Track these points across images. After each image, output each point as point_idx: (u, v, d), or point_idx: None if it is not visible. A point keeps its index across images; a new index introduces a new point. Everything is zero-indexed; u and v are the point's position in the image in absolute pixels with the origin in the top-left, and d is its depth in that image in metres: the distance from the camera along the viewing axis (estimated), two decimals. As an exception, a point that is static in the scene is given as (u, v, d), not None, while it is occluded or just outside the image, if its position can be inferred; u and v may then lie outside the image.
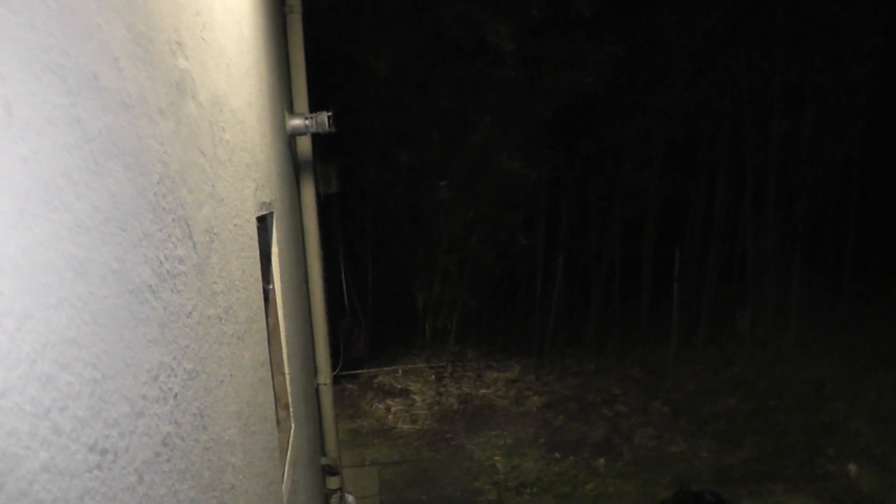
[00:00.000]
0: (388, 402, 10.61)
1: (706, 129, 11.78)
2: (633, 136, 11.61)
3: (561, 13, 10.09)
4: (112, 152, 1.12)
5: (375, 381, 11.45)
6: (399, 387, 11.14)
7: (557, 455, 8.53)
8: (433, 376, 11.44)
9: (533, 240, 12.04)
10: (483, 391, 10.89)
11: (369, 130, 10.51)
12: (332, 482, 6.14)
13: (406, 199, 11.46)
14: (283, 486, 3.22)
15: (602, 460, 8.30)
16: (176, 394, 1.38)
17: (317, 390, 6.00)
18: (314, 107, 5.77)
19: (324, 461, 6.05)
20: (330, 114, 5.33)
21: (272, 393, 2.96)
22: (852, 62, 10.82)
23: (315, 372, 5.98)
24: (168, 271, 1.37)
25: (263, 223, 3.50)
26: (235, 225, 2.28)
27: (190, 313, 1.53)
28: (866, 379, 9.89)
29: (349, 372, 11.51)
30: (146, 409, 1.20)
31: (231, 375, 1.99)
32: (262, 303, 2.85)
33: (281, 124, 4.82)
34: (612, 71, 10.36)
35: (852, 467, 7.67)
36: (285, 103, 5.23)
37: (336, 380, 10.85)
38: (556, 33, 10.25)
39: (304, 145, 5.67)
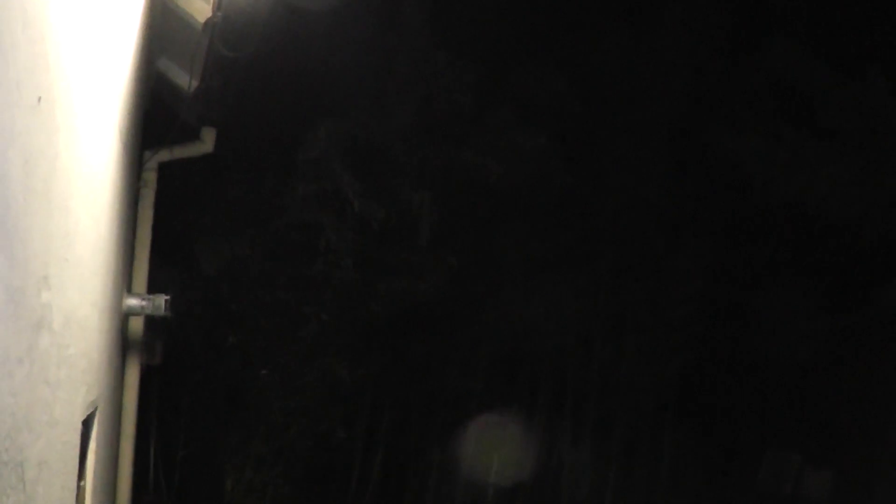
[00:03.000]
0: None
1: (531, 345, 12.30)
2: (461, 345, 11.98)
3: (404, 224, 10.59)
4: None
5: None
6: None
7: None
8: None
9: (353, 435, 11.94)
10: None
11: (201, 310, 10.36)
12: None
13: (229, 381, 11.22)
14: None
15: None
16: None
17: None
18: (151, 286, 5.70)
19: None
20: (168, 297, 5.27)
21: None
22: (673, 301, 11.78)
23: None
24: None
25: (87, 422, 3.37)
26: (63, 442, 2.23)
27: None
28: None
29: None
30: None
31: None
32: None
33: (117, 305, 4.72)
34: (448, 282, 10.81)
35: None
36: (125, 282, 5.15)
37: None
38: (396, 242, 10.72)
39: (137, 325, 5.57)
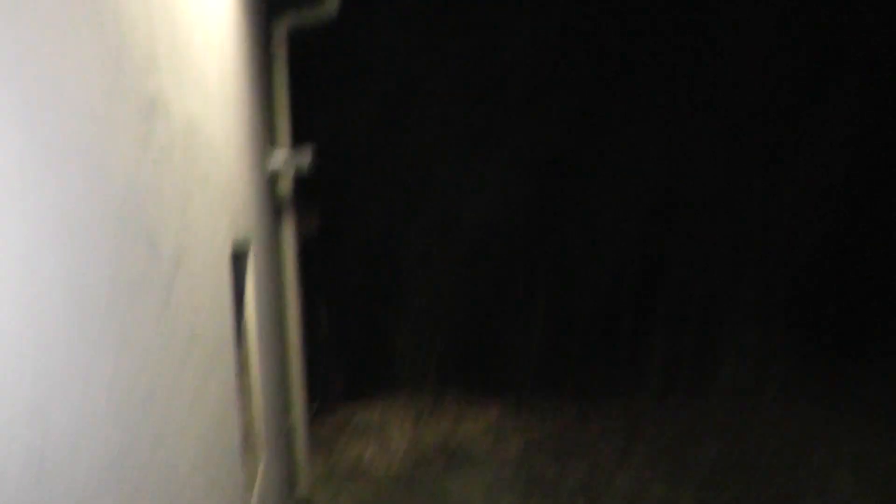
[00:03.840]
0: (365, 441, 10.50)
1: (690, 173, 11.90)
2: (617, 178, 11.70)
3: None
4: (71, 159, 1.14)
5: (352, 420, 11.34)
6: (376, 426, 11.04)
7: (536, 498, 8.44)
8: (411, 416, 11.35)
9: (515, 281, 12.05)
10: (462, 432, 10.80)
11: (347, 176, 10.58)
12: (306, 522, 6.06)
13: (383, 239, 11.49)
14: (250, 520, 3.18)
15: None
16: (131, 409, 1.38)
17: (291, 425, 5.95)
18: (295, 146, 5.82)
19: (297, 496, 5.98)
20: (310, 155, 5.37)
21: (239, 424, 2.94)
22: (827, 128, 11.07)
23: (289, 408, 5.94)
24: (127, 286, 1.38)
25: (239, 258, 3.50)
26: (207, 255, 2.29)
27: (150, 335, 1.54)
28: (850, 431, 9.88)
29: (326, 410, 11.42)
30: (95, 425, 1.19)
31: (193, 402, 1.98)
32: (233, 335, 2.84)
33: (262, 162, 4.84)
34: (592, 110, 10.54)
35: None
36: (267, 143, 5.27)
37: (312, 418, 10.77)
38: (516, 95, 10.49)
39: (285, 184, 5.70)
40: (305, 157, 5.34)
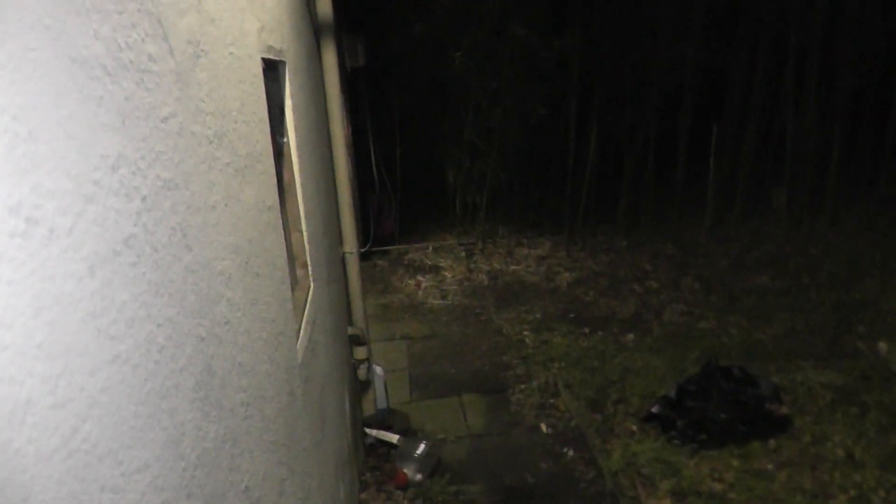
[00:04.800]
0: (419, 277, 10.62)
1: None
2: (669, 5, 11.11)
3: None
4: None
5: (406, 257, 11.45)
6: (429, 263, 11.13)
7: (586, 330, 8.51)
8: (463, 253, 11.41)
9: (565, 112, 11.74)
10: (513, 267, 10.85)
11: (388, 4, 10.20)
12: (360, 352, 6.14)
13: (429, 73, 11.19)
14: (299, 342, 3.17)
15: (631, 336, 8.27)
16: (144, 196, 1.27)
17: (343, 259, 5.95)
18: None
19: (351, 331, 6.05)
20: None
21: (283, 243, 2.87)
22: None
23: (340, 240, 5.92)
24: (132, 61, 1.24)
25: (273, 69, 3.35)
26: (231, 53, 2.14)
27: (166, 119, 1.41)
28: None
29: (379, 248, 11.52)
30: (98, 197, 1.08)
31: (226, 205, 1.88)
32: (270, 149, 2.73)
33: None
34: None
35: (883, 345, 7.56)
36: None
37: (366, 256, 10.88)
38: None
39: (325, 7, 5.44)
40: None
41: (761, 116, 12.07)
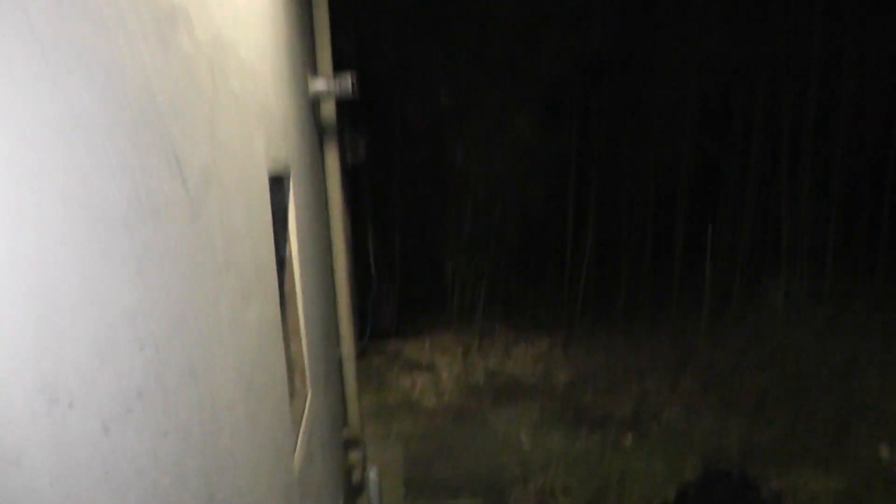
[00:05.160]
0: (415, 375, 10.54)
1: (741, 92, 11.48)
2: (662, 100, 11.33)
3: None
4: (77, 68, 1.01)
5: (402, 353, 11.39)
6: (426, 360, 11.07)
7: (584, 431, 8.42)
8: (460, 350, 11.35)
9: (561, 208, 11.86)
10: (510, 365, 10.79)
11: (392, 103, 10.42)
12: (354, 456, 6.06)
13: (431, 170, 11.35)
14: (296, 456, 3.12)
15: (630, 436, 8.18)
16: (157, 345, 1.27)
17: (339, 360, 5.92)
18: (337, 70, 5.65)
19: (345, 433, 5.97)
20: (354, 78, 5.20)
21: (284, 357, 2.86)
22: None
23: (338, 341, 5.90)
24: (150, 209, 1.26)
25: (279, 184, 3.39)
26: (241, 177, 2.17)
27: (178, 257, 1.42)
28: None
29: (375, 343, 11.46)
30: (115, 355, 1.09)
31: (231, 332, 1.89)
32: (274, 263, 2.74)
33: (302, 86, 4.70)
34: (630, 25, 10.16)
35: (885, 448, 7.49)
36: (308, 66, 5.11)
37: (362, 351, 10.82)
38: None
39: (328, 110, 5.54)
40: (347, 83, 5.18)
41: (756, 211, 12.20)
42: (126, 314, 1.13)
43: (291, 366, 3.64)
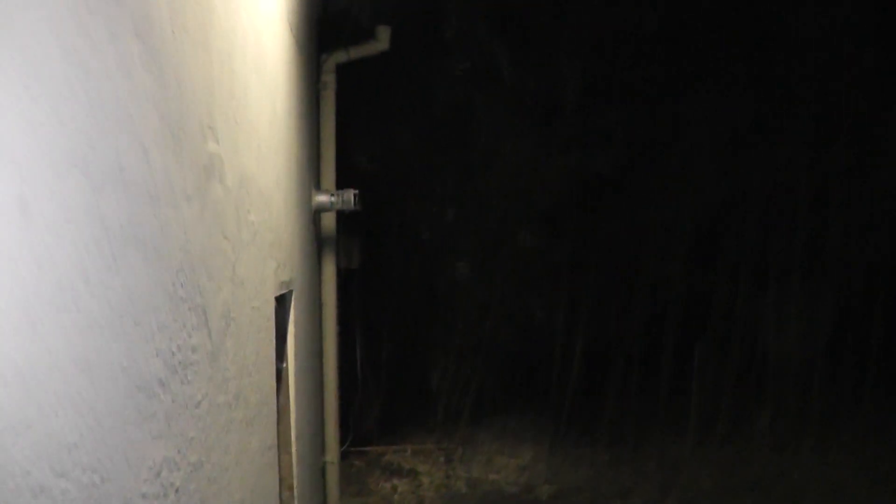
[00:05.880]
0: (395, 481, 10.39)
1: (732, 222, 11.73)
2: (656, 224, 11.56)
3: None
4: (133, 245, 1.10)
5: (383, 458, 11.25)
6: (407, 467, 10.93)
7: (566, 548, 8.29)
8: (442, 458, 11.23)
9: (552, 322, 11.93)
10: (493, 476, 10.66)
11: (390, 208, 10.59)
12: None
13: (424, 278, 11.46)
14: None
15: (612, 557, 8.06)
16: (177, 488, 1.33)
17: (323, 468, 5.90)
18: (340, 183, 5.81)
19: (326, 542, 5.90)
20: (356, 192, 5.36)
21: (277, 476, 2.89)
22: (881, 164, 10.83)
23: (323, 448, 5.89)
24: (180, 362, 1.34)
25: (282, 301, 3.47)
26: (253, 307, 2.25)
27: (199, 403, 1.49)
28: (887, 489, 9.62)
29: (357, 448, 11.34)
30: (146, 498, 1.15)
31: (237, 463, 1.94)
32: (275, 383, 2.80)
33: (307, 200, 4.83)
34: (631, 152, 10.46)
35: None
36: (312, 179, 5.26)
37: (343, 455, 10.69)
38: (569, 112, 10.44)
39: (329, 221, 5.68)
40: (350, 196, 5.33)
41: (744, 337, 12.29)
42: (154, 469, 1.19)
43: (281, 480, 3.65)
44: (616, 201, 11.43)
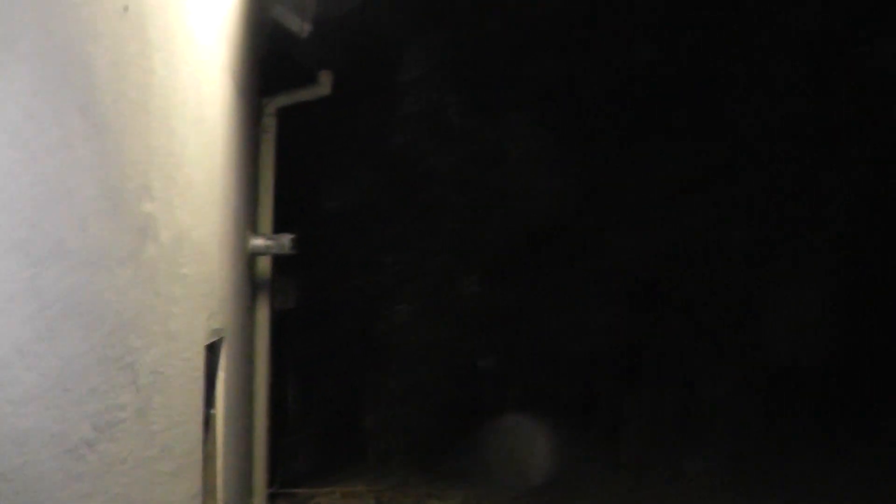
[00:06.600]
0: (324, 525, 10.29)
1: (670, 272, 11.97)
2: (593, 272, 11.75)
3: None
4: (68, 315, 1.15)
5: (311, 501, 11.11)
6: (336, 510, 10.83)
7: None
8: (373, 500, 11.13)
9: (488, 367, 11.99)
10: (421, 521, 10.61)
11: (331, 250, 10.58)
12: None
13: (362, 320, 11.44)
14: None
15: None
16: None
17: (250, 512, 5.84)
18: (278, 226, 5.83)
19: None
20: (293, 236, 5.38)
21: (201, 524, 2.89)
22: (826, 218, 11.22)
23: (250, 491, 5.84)
24: (107, 422, 1.38)
25: (213, 348, 3.48)
26: (183, 359, 2.29)
27: (125, 460, 1.53)
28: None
29: (286, 490, 11.19)
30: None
31: (160, 515, 1.96)
32: (202, 432, 2.82)
33: (242, 244, 4.85)
34: (573, 203, 10.64)
35: None
36: (248, 223, 5.28)
37: (271, 497, 10.54)
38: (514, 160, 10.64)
39: (264, 265, 5.70)
40: (286, 241, 5.36)
41: (678, 385, 12.48)
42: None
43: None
44: (560, 248, 11.59)
